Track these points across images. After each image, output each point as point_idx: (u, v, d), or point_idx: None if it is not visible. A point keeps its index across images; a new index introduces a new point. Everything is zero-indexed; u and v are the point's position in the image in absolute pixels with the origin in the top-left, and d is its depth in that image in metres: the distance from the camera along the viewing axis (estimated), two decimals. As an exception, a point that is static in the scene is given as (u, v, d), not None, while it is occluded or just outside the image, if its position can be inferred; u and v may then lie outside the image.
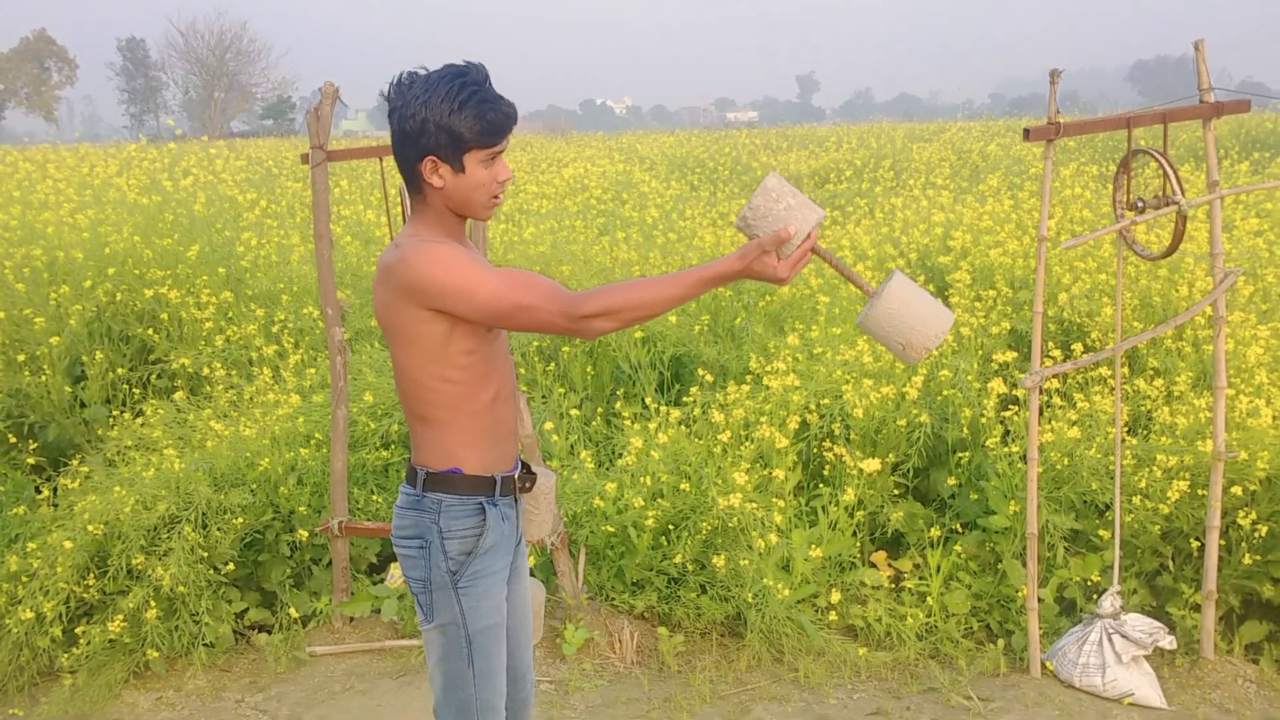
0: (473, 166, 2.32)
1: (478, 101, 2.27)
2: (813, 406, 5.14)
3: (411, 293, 2.29)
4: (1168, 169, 3.98)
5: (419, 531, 2.47)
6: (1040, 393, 4.28)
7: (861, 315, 2.33)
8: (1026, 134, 4.09)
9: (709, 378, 5.61)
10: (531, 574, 4.53)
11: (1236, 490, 4.34)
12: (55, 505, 4.96)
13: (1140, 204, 4.08)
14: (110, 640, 4.39)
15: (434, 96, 2.26)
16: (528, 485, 2.62)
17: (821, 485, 4.97)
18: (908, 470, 5.02)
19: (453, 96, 2.26)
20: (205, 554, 4.55)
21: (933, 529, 4.74)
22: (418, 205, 2.42)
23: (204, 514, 4.61)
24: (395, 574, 4.93)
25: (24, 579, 4.44)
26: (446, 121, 2.26)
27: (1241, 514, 4.32)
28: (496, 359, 2.47)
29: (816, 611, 4.57)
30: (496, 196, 2.40)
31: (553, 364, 6.22)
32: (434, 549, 2.46)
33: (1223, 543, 4.34)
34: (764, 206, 2.22)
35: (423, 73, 2.34)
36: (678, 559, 4.55)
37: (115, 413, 5.87)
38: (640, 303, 2.23)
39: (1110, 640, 4.13)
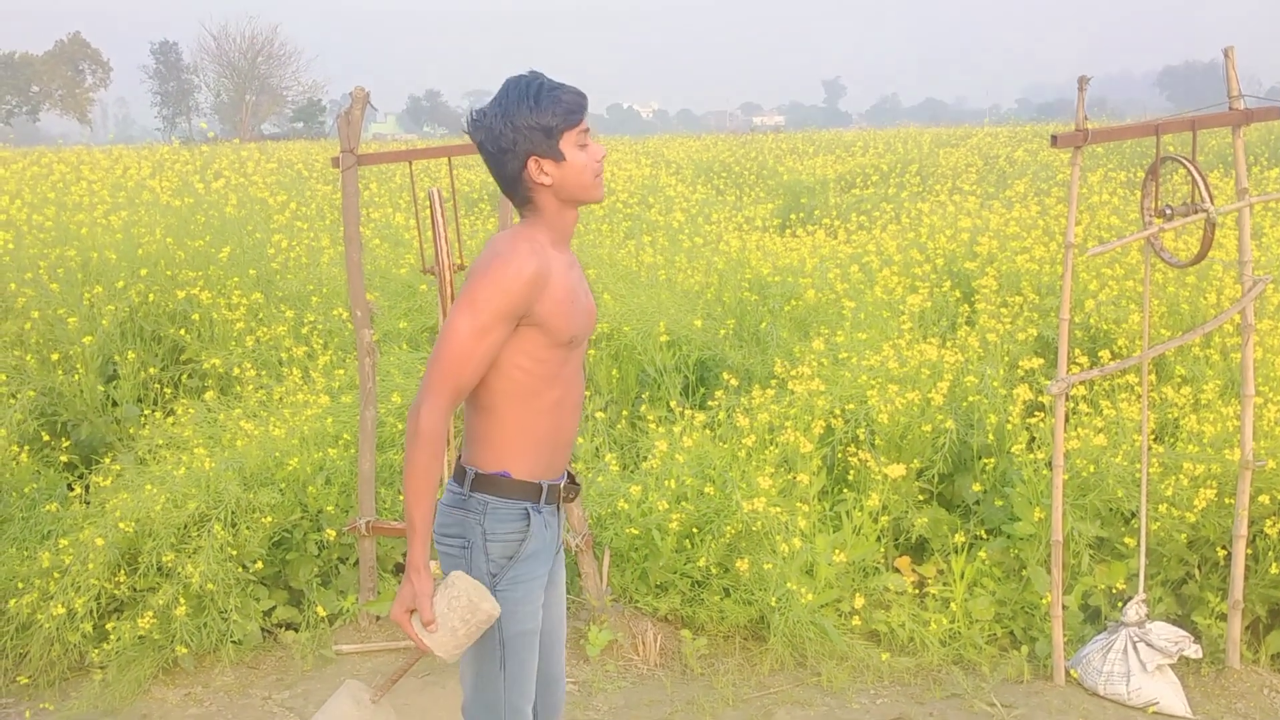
0: (570, 151, 2.42)
1: (548, 91, 2.38)
2: (837, 411, 5.15)
3: (467, 278, 2.41)
4: (1196, 176, 3.96)
5: (462, 531, 2.49)
6: (1066, 399, 4.27)
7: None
8: (1054, 140, 4.09)
9: (734, 382, 5.63)
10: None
11: (1264, 499, 4.32)
12: (87, 503, 5.02)
13: (1168, 211, 4.07)
14: (140, 636, 4.44)
15: (511, 106, 2.37)
16: (571, 495, 2.65)
17: (846, 490, 4.97)
18: (932, 476, 5.01)
19: (526, 97, 2.37)
20: (234, 552, 4.60)
21: (957, 535, 4.74)
22: (528, 214, 2.48)
23: (233, 512, 4.66)
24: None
25: (56, 575, 4.50)
26: (531, 120, 2.37)
27: (1269, 523, 4.29)
28: (569, 366, 2.51)
29: (840, 616, 4.57)
30: (599, 174, 2.48)
31: (579, 367, 6.25)
32: (476, 549, 2.48)
33: (1249, 552, 4.32)
34: (455, 604, 2.37)
35: (486, 101, 2.45)
36: (701, 562, 4.57)
37: (147, 412, 5.93)
38: (414, 470, 2.34)
39: (1135, 648, 4.12)
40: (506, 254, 2.36)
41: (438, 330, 5.03)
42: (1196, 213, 4.01)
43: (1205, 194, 3.97)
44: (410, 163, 5.09)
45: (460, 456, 2.55)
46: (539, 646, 2.63)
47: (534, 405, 2.46)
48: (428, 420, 2.32)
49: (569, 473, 2.65)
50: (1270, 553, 4.35)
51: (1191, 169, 3.98)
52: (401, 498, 5.03)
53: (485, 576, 2.48)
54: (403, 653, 4.69)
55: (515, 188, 2.45)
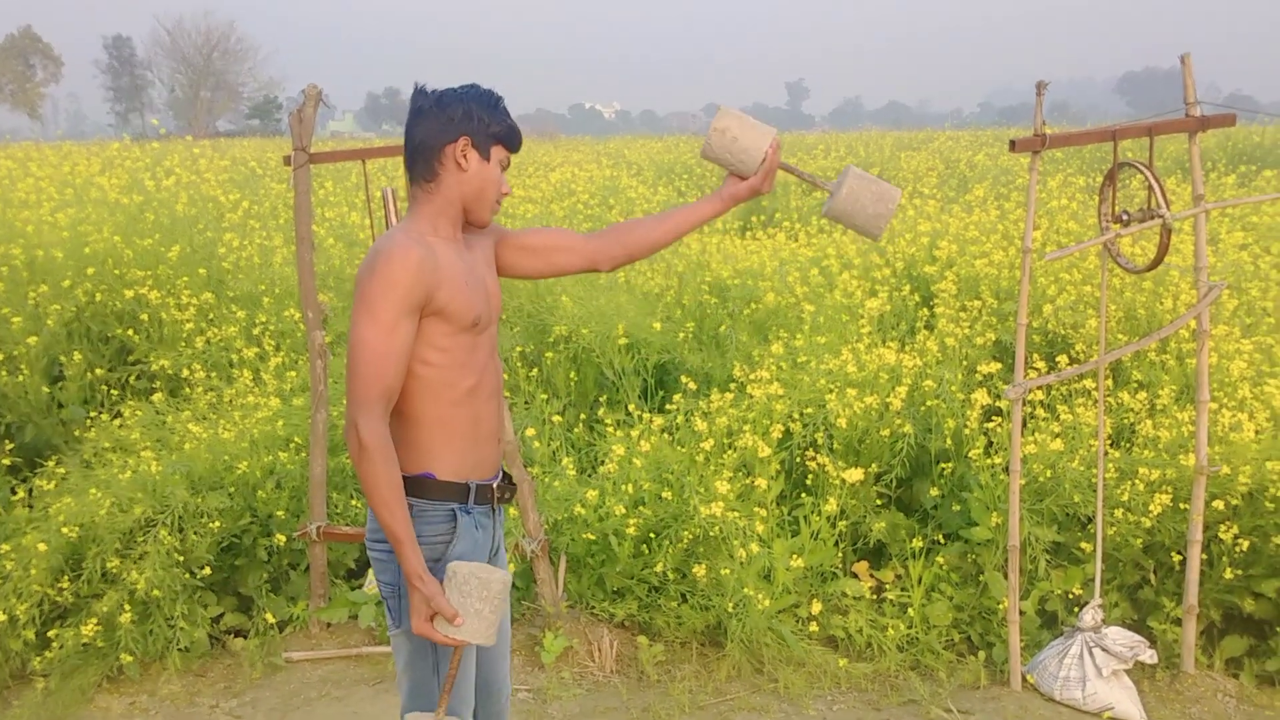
0: (494, 162, 2.48)
1: (505, 110, 2.49)
2: (796, 415, 5.12)
3: (356, 287, 2.38)
4: (1153, 182, 3.97)
5: None
6: (1024, 404, 4.27)
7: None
8: (1013, 145, 4.09)
9: (693, 385, 5.59)
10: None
11: (1218, 504, 4.33)
12: (30, 506, 4.91)
13: (1125, 217, 4.08)
14: (84, 644, 4.34)
15: (471, 100, 2.45)
16: (507, 495, 2.60)
17: (804, 495, 4.95)
18: (890, 480, 5.00)
19: (488, 99, 2.47)
20: (181, 558, 4.51)
21: (915, 540, 4.72)
22: (423, 197, 2.46)
23: (180, 517, 4.57)
24: (373, 580, 4.89)
25: (-3, 581, 4.39)
26: (483, 114, 2.44)
27: (1223, 528, 4.31)
28: (479, 352, 2.47)
29: (797, 622, 4.55)
30: (498, 202, 2.53)
31: (536, 369, 6.19)
32: None
33: (1204, 557, 4.34)
34: (468, 590, 2.36)
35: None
36: (659, 568, 4.53)
37: (93, 414, 5.81)
38: (375, 483, 2.29)
39: (1091, 654, 4.12)
40: (387, 249, 2.33)
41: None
42: (1153, 218, 4.01)
43: (1162, 200, 3.97)
44: (364, 161, 5.02)
45: None
46: (477, 653, 2.60)
47: (448, 397, 2.42)
48: (367, 433, 2.28)
49: (505, 472, 2.62)
50: (1224, 558, 4.37)
51: (1149, 175, 3.99)
52: (354, 503, 4.97)
53: None
54: (355, 659, 4.62)
55: (430, 159, 2.44)
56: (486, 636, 2.37)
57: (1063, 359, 5.47)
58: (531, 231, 2.74)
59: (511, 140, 2.50)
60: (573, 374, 6.28)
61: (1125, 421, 5.13)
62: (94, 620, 4.32)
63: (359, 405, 2.29)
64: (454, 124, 2.42)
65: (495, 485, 2.55)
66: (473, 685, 2.57)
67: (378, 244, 2.37)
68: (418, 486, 2.43)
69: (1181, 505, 4.43)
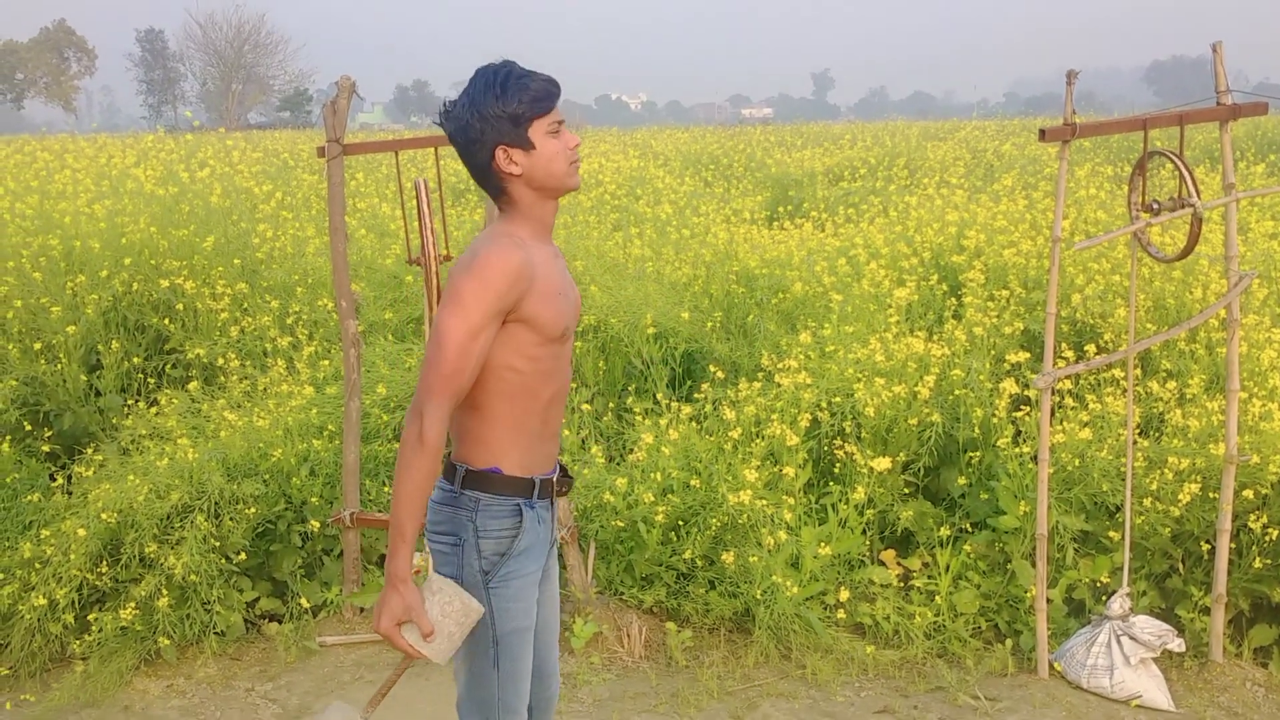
0: (540, 139, 2.38)
1: (516, 79, 2.36)
2: (824, 404, 5.14)
3: (449, 281, 2.36)
4: (1184, 171, 3.97)
5: (454, 528, 2.46)
6: (1052, 393, 4.28)
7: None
8: (1042, 134, 4.09)
9: (720, 374, 5.62)
10: None
11: (1248, 494, 4.33)
12: (69, 493, 4.99)
13: (1155, 206, 4.08)
14: (122, 627, 4.42)
15: (478, 96, 2.35)
16: (563, 489, 2.61)
17: (832, 483, 4.97)
18: (918, 469, 5.02)
19: (493, 86, 2.35)
20: (217, 543, 4.58)
21: (942, 528, 4.74)
22: (504, 208, 2.46)
23: (217, 503, 4.64)
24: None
25: (37, 566, 4.48)
26: (498, 109, 2.34)
27: (1253, 518, 4.31)
28: (562, 359, 2.49)
29: (825, 609, 4.58)
30: (575, 161, 2.45)
31: (565, 359, 6.24)
32: (468, 547, 2.44)
33: (1233, 546, 4.34)
34: (449, 610, 2.36)
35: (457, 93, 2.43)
36: (687, 555, 4.56)
37: (130, 402, 5.90)
38: (409, 476, 2.28)
39: (1119, 642, 4.13)
40: (488, 251, 2.32)
41: (423, 321, 5.01)
42: (1183, 208, 4.01)
43: (1192, 189, 3.97)
44: (397, 153, 5.07)
45: (449, 453, 2.52)
46: (534, 642, 2.61)
47: (529, 406, 2.43)
48: (431, 429, 2.27)
49: (560, 465, 2.63)
50: (1254, 547, 4.36)
51: (1179, 164, 3.99)
52: (387, 490, 5.03)
53: (478, 574, 2.45)
54: (387, 645, 4.68)
55: (487, 179, 2.42)
56: (445, 659, 2.39)
57: (1091, 348, 5.46)
58: None
59: (541, 107, 2.37)
60: (601, 363, 6.32)
61: (1154, 411, 5.13)
62: (132, 604, 4.40)
63: (431, 396, 2.28)
64: (483, 141, 2.36)
65: (555, 479, 2.56)
66: (528, 676, 2.58)
67: (477, 243, 2.37)
68: (483, 481, 2.43)
69: (1211, 494, 4.43)
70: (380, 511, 4.90)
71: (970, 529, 4.88)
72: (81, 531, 4.43)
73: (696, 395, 5.53)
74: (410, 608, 2.31)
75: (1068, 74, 4.09)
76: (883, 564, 4.88)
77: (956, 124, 27.56)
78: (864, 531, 4.82)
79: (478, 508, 2.44)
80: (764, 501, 4.57)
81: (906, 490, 5.06)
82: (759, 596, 4.42)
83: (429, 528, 2.52)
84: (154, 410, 5.58)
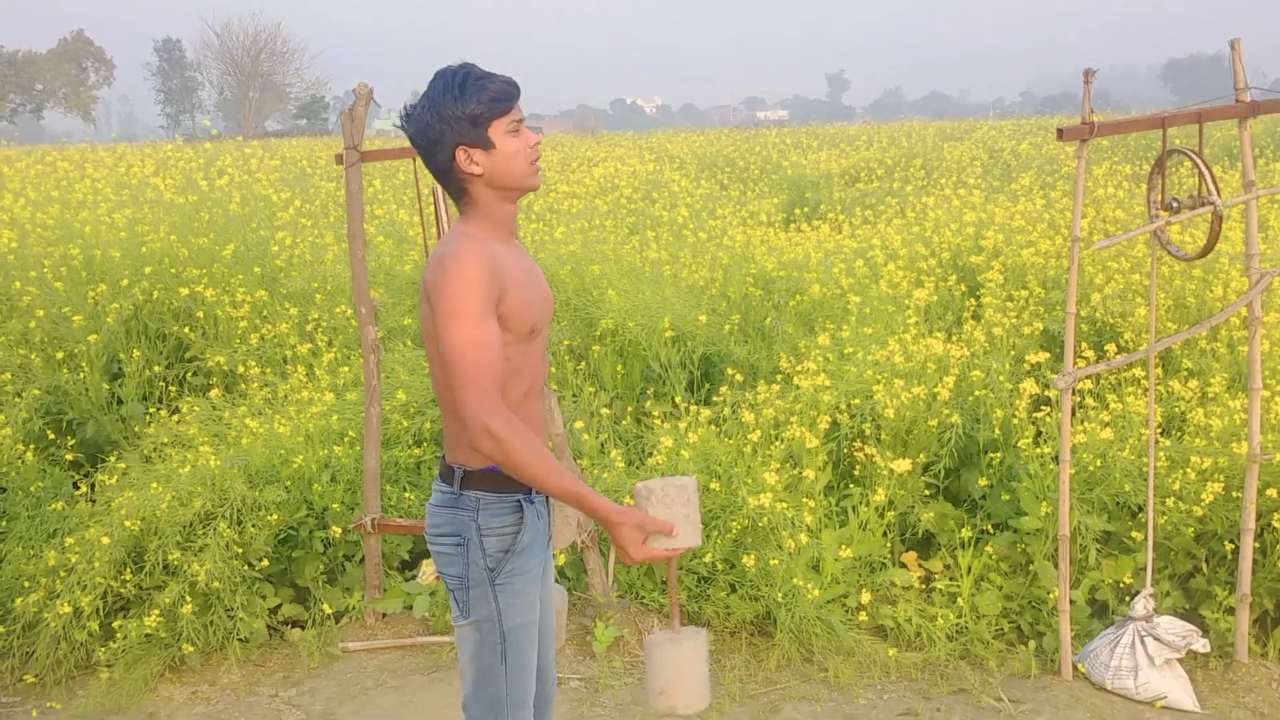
0: (500, 139, 2.41)
1: (474, 80, 2.39)
2: (843, 406, 5.13)
3: (430, 295, 2.38)
4: (1203, 169, 3.95)
5: (456, 529, 2.49)
6: (1073, 393, 4.26)
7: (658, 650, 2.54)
8: (1060, 134, 4.08)
9: (739, 377, 5.62)
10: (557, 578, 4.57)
11: (1272, 492, 4.30)
12: (93, 501, 5.02)
13: (1175, 204, 4.06)
14: (146, 635, 4.45)
15: (436, 98, 2.39)
16: None
17: (852, 485, 4.96)
18: (939, 471, 5.00)
19: (451, 88, 2.38)
20: (240, 550, 4.61)
21: (964, 530, 4.73)
22: (465, 207, 2.48)
23: (239, 510, 4.67)
24: (427, 570, 4.96)
25: (62, 574, 4.51)
26: (456, 110, 2.37)
27: (1277, 517, 4.29)
28: (532, 356, 2.51)
29: (846, 611, 4.57)
30: (535, 161, 2.47)
31: (583, 363, 6.24)
32: (472, 546, 2.48)
33: (1257, 545, 4.31)
34: (671, 500, 2.40)
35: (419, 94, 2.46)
36: (707, 558, 4.56)
37: (152, 410, 5.94)
38: (525, 465, 2.31)
39: (1143, 643, 4.11)
40: (453, 252, 2.35)
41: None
42: (1203, 206, 3.99)
43: (1212, 187, 3.95)
44: (414, 159, 5.08)
45: (444, 457, 2.55)
46: (537, 639, 2.64)
47: (506, 402, 2.44)
48: (499, 427, 2.29)
49: None
50: (1278, 546, 4.34)
51: (1198, 162, 3.97)
52: (408, 495, 5.05)
53: (483, 572, 2.49)
54: (410, 649, 4.70)
55: (449, 179, 2.45)
56: (698, 538, 2.44)
57: (1111, 348, 5.44)
58: None
59: (500, 107, 2.39)
60: (619, 367, 6.33)
61: (1176, 410, 5.10)
62: (156, 611, 4.43)
63: (479, 408, 2.29)
64: (443, 141, 2.39)
65: None
66: (534, 671, 2.61)
67: (443, 248, 2.39)
68: (483, 480, 2.47)
69: (1234, 494, 4.41)
70: (401, 517, 4.92)
71: (992, 530, 4.86)
72: (105, 539, 4.46)
73: (715, 398, 5.53)
74: (640, 524, 2.37)
75: (1085, 73, 4.07)
76: (904, 566, 4.87)
77: (973, 124, 27.45)
78: (885, 533, 4.82)
79: (479, 507, 2.48)
80: (784, 504, 4.56)
81: (927, 492, 5.04)
82: (780, 599, 4.42)
83: (430, 531, 2.56)
84: (175, 418, 5.61)
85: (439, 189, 4.52)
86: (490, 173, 2.42)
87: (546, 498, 2.60)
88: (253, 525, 4.67)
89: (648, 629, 4.55)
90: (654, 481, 2.42)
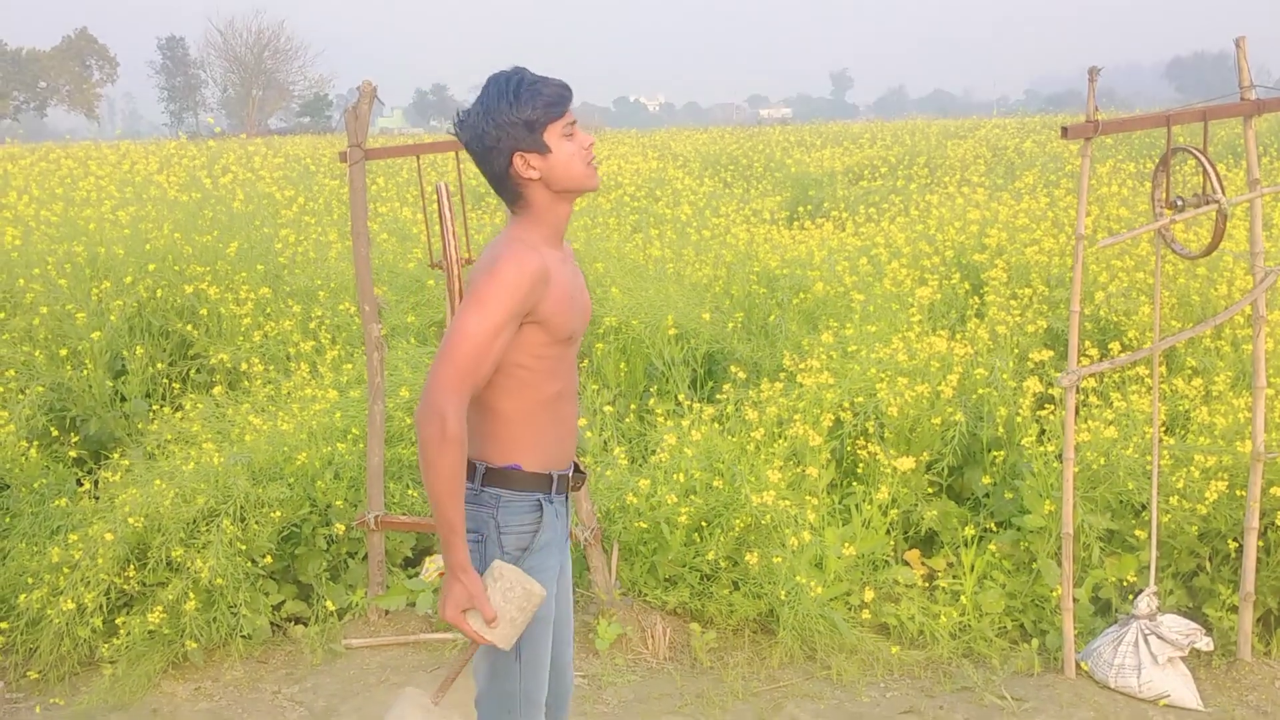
0: (556, 143, 2.42)
1: (529, 85, 2.39)
2: (846, 404, 5.13)
3: (468, 287, 2.41)
4: (1208, 167, 3.94)
5: (475, 525, 2.49)
6: (1077, 392, 4.25)
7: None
8: (1065, 132, 4.07)
9: (742, 375, 5.62)
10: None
11: (1276, 491, 4.30)
12: (96, 498, 5.03)
13: (1179, 202, 4.05)
14: (149, 631, 4.45)
15: (491, 104, 2.39)
16: (577, 485, 2.67)
17: (855, 483, 4.96)
18: (942, 469, 5.00)
19: (506, 93, 2.38)
20: (243, 547, 4.61)
21: (967, 528, 4.73)
22: (519, 212, 2.49)
23: (242, 507, 4.67)
24: (430, 567, 4.96)
25: (65, 570, 4.51)
26: (512, 116, 2.38)
27: (1280, 515, 4.28)
28: (566, 360, 2.54)
29: (849, 609, 4.57)
30: (592, 161, 2.48)
31: (586, 360, 6.25)
32: (490, 543, 2.49)
33: (1261, 544, 4.30)
34: (512, 595, 2.40)
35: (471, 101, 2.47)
36: (710, 556, 4.56)
37: (155, 407, 5.94)
38: (444, 471, 2.31)
39: (1146, 641, 4.11)
40: (508, 256, 2.36)
41: (445, 325, 5.02)
42: (1208, 204, 3.99)
43: (1217, 185, 3.95)
44: (418, 157, 5.09)
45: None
46: (553, 634, 2.65)
47: (536, 400, 2.48)
48: (454, 423, 2.30)
49: (575, 463, 2.68)
50: (1282, 545, 4.33)
51: (1203, 160, 3.96)
52: (411, 492, 5.05)
53: None
54: (413, 646, 4.70)
55: (504, 185, 2.46)
56: (509, 644, 2.43)
57: (1115, 346, 5.44)
58: None
59: (555, 111, 2.40)
60: (623, 364, 6.33)
61: (1180, 409, 5.10)
62: (159, 608, 4.43)
63: (449, 393, 2.31)
64: (499, 148, 2.39)
65: (570, 475, 2.62)
66: (547, 668, 2.63)
67: (498, 248, 2.41)
68: (504, 478, 2.48)
69: (1238, 492, 4.40)
70: (404, 514, 4.92)
71: (995, 528, 4.86)
72: (109, 536, 4.47)
73: (718, 396, 5.53)
74: (473, 595, 2.37)
75: (1090, 71, 4.07)
76: (907, 564, 4.87)
77: (977, 122, 27.44)
78: (888, 531, 4.81)
79: (499, 504, 2.49)
80: (787, 502, 4.56)
81: (930, 490, 5.04)
82: (783, 597, 4.42)
83: None
84: (179, 415, 5.62)
85: (444, 187, 4.51)
86: (548, 176, 2.43)
87: (566, 497, 2.62)
88: (256, 522, 4.67)
89: (651, 626, 4.55)
90: (511, 571, 2.41)
